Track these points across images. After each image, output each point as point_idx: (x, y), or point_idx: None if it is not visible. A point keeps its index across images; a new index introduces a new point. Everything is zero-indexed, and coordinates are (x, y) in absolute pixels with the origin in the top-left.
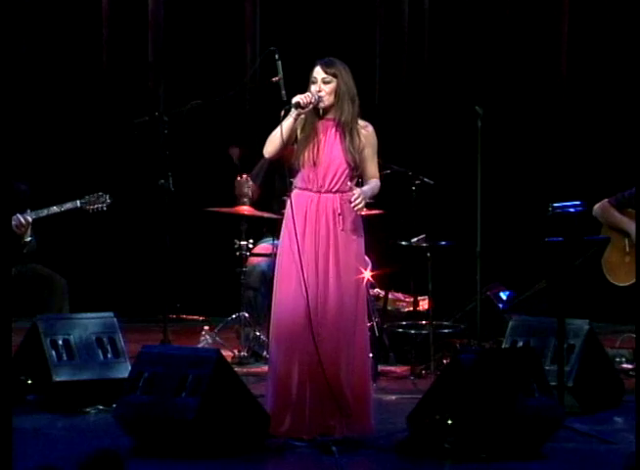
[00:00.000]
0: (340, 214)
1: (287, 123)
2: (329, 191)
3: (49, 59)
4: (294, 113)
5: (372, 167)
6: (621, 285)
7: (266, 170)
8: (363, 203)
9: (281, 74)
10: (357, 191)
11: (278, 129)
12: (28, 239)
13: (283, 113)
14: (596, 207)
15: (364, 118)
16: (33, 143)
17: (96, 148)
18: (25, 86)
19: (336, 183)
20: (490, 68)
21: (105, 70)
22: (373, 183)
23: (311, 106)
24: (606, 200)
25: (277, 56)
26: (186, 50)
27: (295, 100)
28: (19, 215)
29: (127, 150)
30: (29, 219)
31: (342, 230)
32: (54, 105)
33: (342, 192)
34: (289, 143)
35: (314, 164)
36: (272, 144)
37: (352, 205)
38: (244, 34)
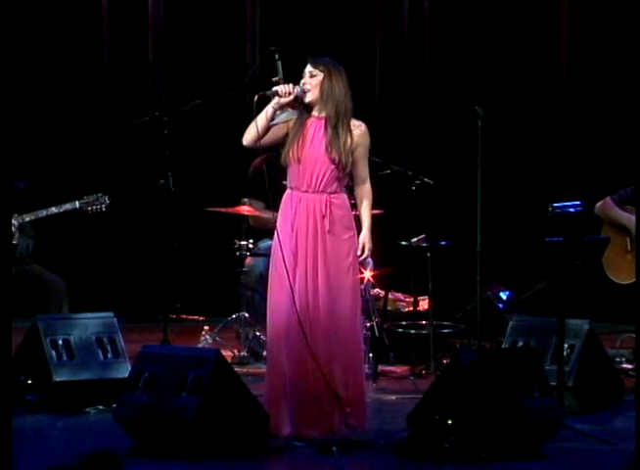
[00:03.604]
0: (326, 216)
1: (263, 112)
2: (316, 191)
3: (49, 58)
4: (272, 101)
5: (363, 169)
6: (623, 283)
7: (252, 181)
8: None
9: (281, 74)
10: (366, 251)
11: (255, 119)
12: (15, 242)
13: (256, 98)
14: (598, 204)
15: (364, 118)
16: (34, 143)
17: (96, 148)
18: (26, 86)
19: (321, 182)
20: (490, 68)
21: (105, 70)
22: (366, 204)
23: (291, 97)
24: (608, 197)
25: (277, 56)
26: (186, 50)
27: (274, 88)
28: None
29: (127, 150)
30: (15, 223)
31: (330, 232)
32: (54, 105)
33: (330, 193)
34: (266, 132)
35: (298, 160)
36: (250, 133)
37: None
38: (244, 34)
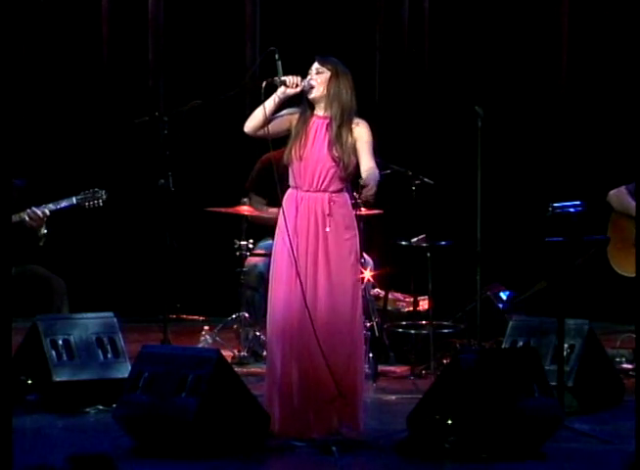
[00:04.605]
0: (328, 215)
1: (270, 100)
2: (318, 190)
3: (49, 58)
4: (279, 91)
5: (366, 159)
6: (626, 275)
7: (258, 176)
8: (373, 186)
9: (281, 74)
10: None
11: (261, 106)
12: (44, 232)
13: (264, 84)
14: (612, 192)
15: (364, 118)
16: (34, 143)
17: (96, 148)
18: (26, 85)
19: (323, 181)
20: (490, 68)
21: (105, 69)
22: (371, 172)
23: (298, 89)
24: (623, 186)
25: (277, 56)
26: (186, 50)
27: (282, 78)
28: (34, 208)
29: (127, 150)
30: (47, 212)
31: (332, 231)
32: (54, 105)
33: (332, 192)
34: (268, 122)
35: (300, 158)
36: (254, 119)
37: (364, 191)
38: (244, 34)
